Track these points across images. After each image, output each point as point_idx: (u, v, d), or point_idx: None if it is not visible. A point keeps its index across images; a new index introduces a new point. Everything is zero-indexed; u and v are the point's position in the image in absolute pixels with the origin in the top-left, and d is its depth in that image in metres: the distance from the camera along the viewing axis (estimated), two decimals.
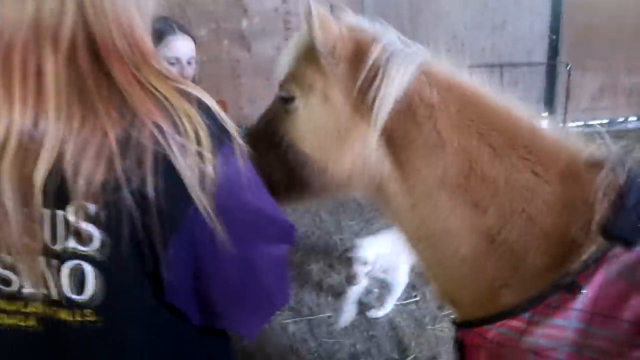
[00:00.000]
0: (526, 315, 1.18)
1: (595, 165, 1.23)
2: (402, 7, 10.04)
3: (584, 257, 1.15)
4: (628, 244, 1.11)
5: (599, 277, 1.11)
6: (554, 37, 11.16)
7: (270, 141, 1.53)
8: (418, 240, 1.48)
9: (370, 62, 1.41)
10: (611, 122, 11.63)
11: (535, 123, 1.40)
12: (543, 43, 11.21)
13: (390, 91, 1.37)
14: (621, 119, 11.76)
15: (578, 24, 11.15)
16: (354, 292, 4.21)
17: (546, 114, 11.40)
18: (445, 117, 1.38)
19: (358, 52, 1.44)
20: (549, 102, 11.47)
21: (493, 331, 1.24)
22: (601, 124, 11.41)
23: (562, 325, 1.11)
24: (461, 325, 1.40)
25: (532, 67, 11.21)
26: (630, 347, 1.04)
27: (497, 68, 10.64)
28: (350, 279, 4.00)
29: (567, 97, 11.06)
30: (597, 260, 1.13)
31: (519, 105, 1.44)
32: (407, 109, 1.39)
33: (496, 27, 10.69)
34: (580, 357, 1.09)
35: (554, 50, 11.24)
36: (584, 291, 1.11)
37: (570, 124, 11.26)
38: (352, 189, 1.57)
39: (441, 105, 1.40)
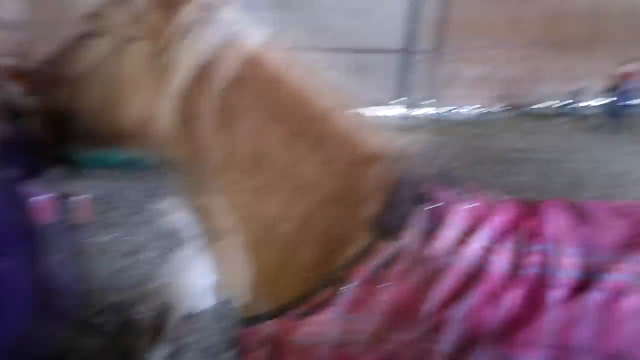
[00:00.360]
0: (294, 312, 1.20)
1: (379, 158, 1.23)
2: None
3: (354, 251, 1.17)
4: (394, 238, 1.15)
5: (363, 271, 1.14)
6: (413, 25, 11.78)
7: (59, 79, 1.40)
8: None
9: (180, 19, 1.29)
10: (460, 110, 12.75)
11: (338, 112, 1.33)
12: (402, 29, 11.79)
13: (189, 56, 1.28)
14: (467, 107, 12.95)
15: (435, 14, 11.88)
16: None
17: (404, 99, 12.14)
18: (241, 94, 1.30)
19: (172, 4, 1.31)
20: (406, 88, 12.19)
21: (265, 329, 1.25)
22: (450, 112, 12.49)
23: (324, 321, 1.15)
24: (243, 322, 1.39)
25: (392, 53, 11.76)
26: (386, 334, 1.11)
27: (359, 53, 11.00)
28: None
29: (425, 84, 11.87)
30: (364, 255, 1.16)
31: (334, 92, 1.36)
32: (205, 79, 1.28)
33: (359, 11, 10.98)
34: (341, 350, 1.14)
35: (412, 38, 11.89)
36: (347, 286, 1.14)
37: (426, 110, 12.19)
38: (144, 145, 1.47)
39: (240, 82, 1.30)
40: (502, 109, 13.32)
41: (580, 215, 1.17)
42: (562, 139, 9.81)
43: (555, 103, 13.69)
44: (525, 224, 1.16)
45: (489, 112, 12.68)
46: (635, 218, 1.14)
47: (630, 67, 10.01)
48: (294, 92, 1.32)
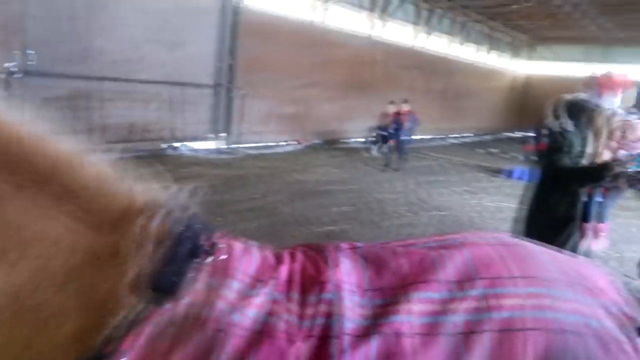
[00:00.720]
0: None
1: (151, 209, 1.09)
2: (78, 8, 9.00)
3: (123, 318, 1.01)
4: (171, 299, 1.02)
5: (134, 341, 1.00)
6: (230, 62, 11.98)
7: None
8: None
9: None
10: (276, 145, 13.23)
11: (86, 159, 1.15)
12: (220, 66, 11.88)
13: None
14: (283, 143, 13.51)
15: (252, 52, 12.28)
16: None
17: (223, 134, 12.18)
18: None
19: None
20: (225, 123, 12.24)
21: None
22: (267, 146, 12.89)
23: None
24: None
25: (210, 88, 11.74)
26: None
27: (177, 86, 10.76)
28: None
29: (240, 120, 12.09)
30: (136, 322, 1.01)
31: (72, 138, 1.15)
32: None
33: (177, 44, 10.75)
34: None
35: (229, 74, 12.06)
36: (124, 358, 1.00)
37: (242, 146, 12.38)
38: None
39: None
40: (314, 143, 14.21)
41: (364, 258, 1.20)
42: (368, 171, 10.87)
43: (360, 138, 15.11)
44: (311, 272, 1.14)
45: (301, 147, 13.40)
46: (414, 257, 1.19)
47: (400, 107, 11.37)
48: (26, 140, 1.11)
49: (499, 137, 24.35)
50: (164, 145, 10.76)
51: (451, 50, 20.93)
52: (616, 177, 2.98)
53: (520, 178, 11.60)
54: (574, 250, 3.36)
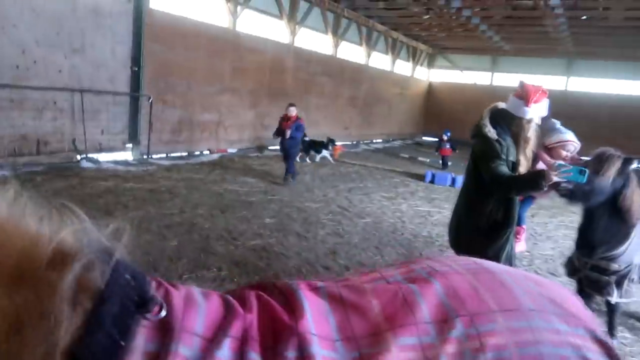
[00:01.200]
0: None
1: (66, 258, 0.86)
2: None
3: None
4: None
5: None
6: (136, 68, 11.26)
7: None
8: None
9: None
10: (189, 155, 12.65)
11: None
12: (126, 72, 11.13)
13: None
14: (197, 153, 12.97)
15: (161, 57, 11.65)
16: None
17: (131, 145, 11.39)
18: None
19: None
20: (133, 133, 11.48)
21: None
22: (181, 157, 12.29)
23: None
24: None
25: (115, 95, 10.95)
26: None
27: (78, 93, 9.89)
28: None
29: (149, 129, 11.38)
30: None
31: None
32: None
33: (75, 49, 9.90)
34: None
35: (136, 81, 11.34)
36: None
37: (154, 157, 11.67)
38: None
39: None
40: (229, 153, 13.80)
41: (328, 300, 1.08)
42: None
43: (277, 146, 14.90)
44: (271, 324, 0.99)
45: (217, 157, 12.96)
46: (383, 296, 1.09)
47: (288, 111, 10.11)
48: None
49: (407, 143, 25.46)
50: (64, 159, 9.83)
51: (360, 58, 21.48)
52: (552, 186, 3.11)
53: (433, 182, 12.11)
54: (510, 254, 3.47)
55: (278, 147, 13.43)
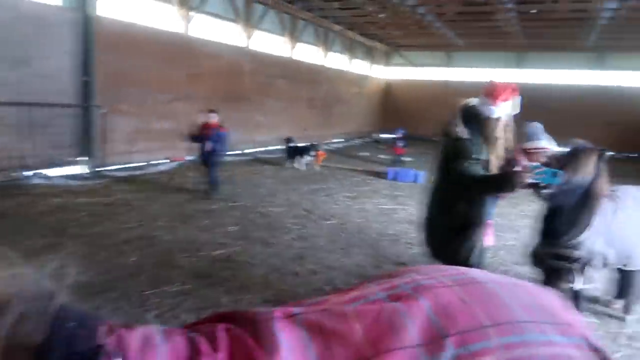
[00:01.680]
0: None
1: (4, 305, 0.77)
2: None
3: None
4: None
5: None
6: (87, 78, 10.86)
7: None
8: None
9: None
10: (147, 165, 12.28)
11: None
12: (75, 83, 10.72)
13: None
14: (154, 162, 12.61)
15: (112, 66, 11.27)
16: None
17: (84, 158, 10.97)
18: None
19: None
20: (85, 145, 11.06)
21: None
22: (137, 167, 11.92)
23: None
24: None
25: (65, 108, 10.52)
26: None
27: (24, 107, 9.44)
28: None
29: (102, 141, 10.98)
30: None
31: None
32: None
33: (21, 60, 9.46)
34: None
35: (87, 92, 10.93)
36: None
37: (108, 169, 11.28)
38: None
39: None
40: (187, 160, 13.48)
41: (306, 329, 0.99)
42: (248, 185, 10.57)
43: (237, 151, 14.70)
44: (248, 357, 0.92)
45: (175, 165, 12.65)
46: (367, 319, 1.02)
47: (210, 117, 8.94)
48: None
49: (366, 141, 25.61)
50: (12, 177, 9.35)
51: (317, 59, 21.47)
52: (526, 186, 3.12)
53: (396, 179, 12.20)
54: (481, 249, 3.47)
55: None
